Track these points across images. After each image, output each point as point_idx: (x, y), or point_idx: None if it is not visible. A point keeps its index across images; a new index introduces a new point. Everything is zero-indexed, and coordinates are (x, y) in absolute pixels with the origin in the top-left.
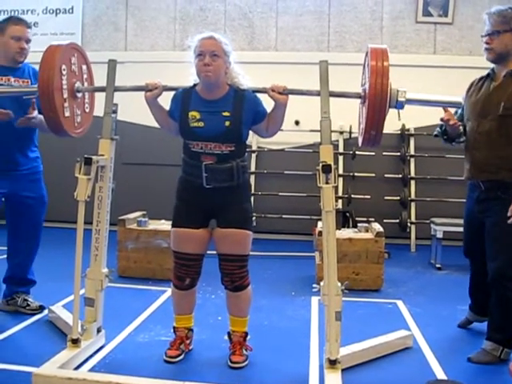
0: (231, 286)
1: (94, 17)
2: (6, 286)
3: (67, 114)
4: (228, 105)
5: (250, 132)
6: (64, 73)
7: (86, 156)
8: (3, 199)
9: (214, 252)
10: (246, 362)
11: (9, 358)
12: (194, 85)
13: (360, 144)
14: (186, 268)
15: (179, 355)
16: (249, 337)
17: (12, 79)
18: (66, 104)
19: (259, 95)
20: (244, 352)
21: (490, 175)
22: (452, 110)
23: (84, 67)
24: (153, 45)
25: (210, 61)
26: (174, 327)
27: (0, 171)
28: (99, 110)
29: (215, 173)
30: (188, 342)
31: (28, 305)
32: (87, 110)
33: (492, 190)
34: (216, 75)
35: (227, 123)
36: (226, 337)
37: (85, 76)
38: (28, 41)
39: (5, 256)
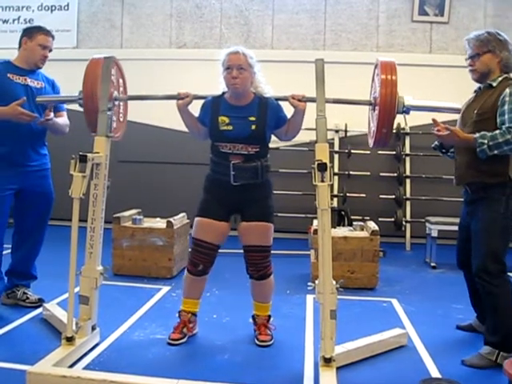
0: (256, 275)
1: (89, 14)
2: (8, 279)
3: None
4: (254, 111)
5: None
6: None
7: (81, 153)
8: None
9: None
10: (272, 341)
11: (3, 355)
12: (223, 93)
13: (371, 145)
14: (201, 255)
15: (181, 338)
16: (272, 319)
17: (28, 80)
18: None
19: (280, 103)
20: (269, 332)
21: (472, 178)
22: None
23: (121, 81)
24: (148, 42)
25: (237, 74)
26: (179, 311)
27: (14, 167)
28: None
29: (242, 171)
30: (191, 325)
31: (27, 298)
32: (121, 119)
33: (477, 191)
34: (243, 86)
35: (253, 127)
36: (251, 320)
37: (121, 89)
38: (50, 50)
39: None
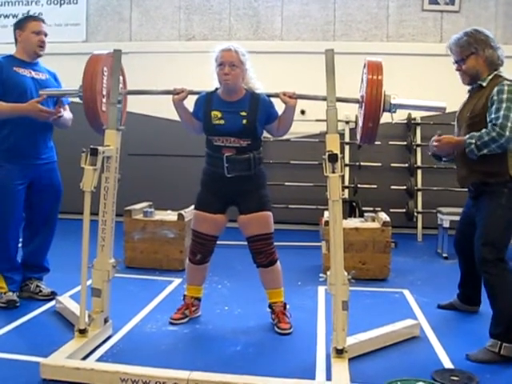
0: (266, 261)
1: (98, 7)
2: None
3: (104, 108)
4: (245, 106)
5: None
6: (105, 74)
7: (91, 147)
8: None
9: (223, 243)
10: (292, 329)
11: (17, 348)
12: (216, 89)
13: (358, 140)
14: (199, 245)
15: (182, 319)
16: (288, 306)
17: (33, 72)
18: (104, 100)
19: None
20: (288, 320)
21: (474, 180)
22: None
23: (120, 78)
24: (157, 35)
25: (229, 70)
26: (184, 295)
27: (25, 160)
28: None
29: (235, 163)
30: (193, 309)
31: (40, 291)
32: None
33: (478, 189)
34: (234, 82)
35: (244, 121)
36: (268, 309)
37: (120, 85)
38: (46, 34)
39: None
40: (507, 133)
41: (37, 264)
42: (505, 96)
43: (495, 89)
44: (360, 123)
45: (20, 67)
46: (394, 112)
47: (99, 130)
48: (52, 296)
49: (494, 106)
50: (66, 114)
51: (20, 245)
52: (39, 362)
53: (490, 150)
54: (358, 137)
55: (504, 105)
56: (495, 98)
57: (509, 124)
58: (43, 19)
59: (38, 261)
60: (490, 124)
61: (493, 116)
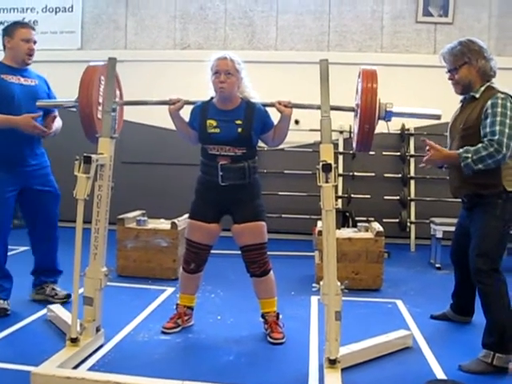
0: (259, 271)
1: (93, 15)
2: (35, 277)
3: (99, 116)
4: (240, 114)
5: None
6: (102, 83)
7: (85, 154)
8: (16, 198)
9: (216, 252)
10: (284, 339)
11: (7, 357)
12: (211, 98)
13: (354, 149)
14: (193, 254)
15: (174, 328)
16: (281, 316)
17: (22, 79)
18: (100, 108)
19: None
20: (280, 330)
21: (467, 191)
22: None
23: (117, 93)
24: (153, 43)
25: (224, 78)
26: (177, 304)
27: (13, 168)
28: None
29: (230, 171)
30: (186, 318)
31: (56, 294)
32: (115, 126)
33: (472, 200)
34: (230, 90)
35: (240, 130)
36: (261, 319)
37: (117, 99)
38: (35, 42)
39: (20, 250)
40: (504, 149)
41: (49, 268)
42: (499, 110)
43: (489, 102)
44: (355, 131)
45: (8, 74)
46: (389, 120)
47: (94, 139)
48: (67, 299)
49: (488, 120)
50: (56, 123)
51: (14, 252)
52: (30, 371)
53: (485, 165)
54: (354, 145)
55: (498, 119)
56: (489, 111)
57: (505, 140)
58: (32, 26)
59: (50, 265)
60: (485, 139)
61: (488, 130)
